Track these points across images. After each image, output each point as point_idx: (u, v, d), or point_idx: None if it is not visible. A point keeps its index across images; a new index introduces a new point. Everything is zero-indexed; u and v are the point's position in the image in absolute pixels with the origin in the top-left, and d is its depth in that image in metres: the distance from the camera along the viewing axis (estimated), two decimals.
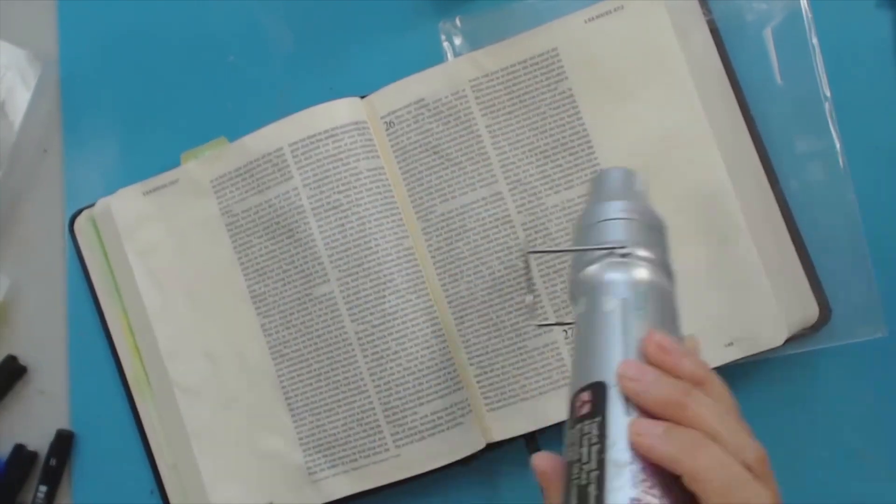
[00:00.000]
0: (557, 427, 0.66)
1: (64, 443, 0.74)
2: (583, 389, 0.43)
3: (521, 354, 0.66)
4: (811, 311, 0.65)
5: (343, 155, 0.68)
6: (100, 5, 0.79)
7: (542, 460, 0.46)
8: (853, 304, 0.65)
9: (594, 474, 0.40)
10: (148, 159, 0.75)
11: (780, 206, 0.66)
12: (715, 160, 0.64)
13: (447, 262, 0.68)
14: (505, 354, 0.67)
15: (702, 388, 0.44)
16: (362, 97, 0.70)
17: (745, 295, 0.64)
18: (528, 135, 0.67)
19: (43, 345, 0.76)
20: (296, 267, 0.69)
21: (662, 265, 0.48)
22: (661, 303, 0.47)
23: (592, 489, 0.39)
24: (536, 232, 0.67)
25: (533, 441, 0.66)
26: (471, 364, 0.67)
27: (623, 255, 0.48)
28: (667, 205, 0.64)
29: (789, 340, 0.64)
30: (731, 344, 0.63)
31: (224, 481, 0.69)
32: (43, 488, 0.73)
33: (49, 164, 0.78)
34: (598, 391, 0.42)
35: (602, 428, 0.41)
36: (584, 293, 0.48)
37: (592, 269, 0.48)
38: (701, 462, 0.40)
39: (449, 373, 0.67)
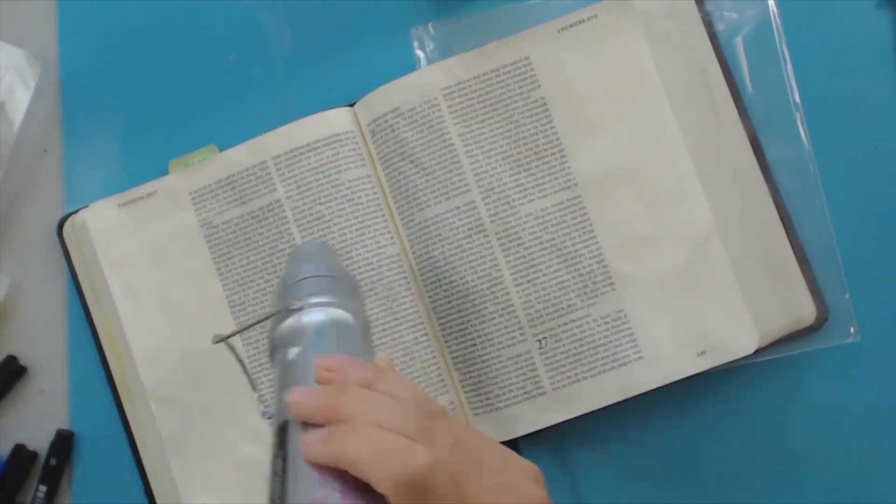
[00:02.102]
0: (539, 434, 0.66)
1: (64, 442, 0.75)
2: (275, 433, 0.46)
3: (495, 364, 0.66)
4: (806, 314, 0.65)
5: (324, 167, 0.68)
6: (100, 5, 0.79)
7: None
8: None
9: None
10: (148, 159, 0.75)
11: (777, 207, 0.66)
12: (687, 168, 0.64)
13: (427, 270, 0.68)
14: (480, 364, 0.67)
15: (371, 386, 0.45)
16: (352, 105, 0.70)
17: (717, 304, 0.63)
18: (502, 143, 0.67)
19: (43, 345, 0.76)
20: (277, 277, 0.69)
21: (341, 305, 0.51)
22: (342, 335, 0.50)
23: None
24: (510, 241, 0.66)
25: (515, 449, 0.65)
26: (456, 369, 0.68)
27: (296, 309, 0.51)
28: (638, 213, 0.65)
29: (772, 345, 0.64)
30: (703, 353, 0.63)
31: (199, 489, 0.70)
32: (43, 488, 0.74)
33: (49, 164, 0.78)
34: (282, 430, 0.45)
35: (284, 460, 0.43)
36: (275, 353, 0.51)
37: (276, 330, 0.51)
38: (350, 446, 0.41)
39: (437, 375, 0.67)
